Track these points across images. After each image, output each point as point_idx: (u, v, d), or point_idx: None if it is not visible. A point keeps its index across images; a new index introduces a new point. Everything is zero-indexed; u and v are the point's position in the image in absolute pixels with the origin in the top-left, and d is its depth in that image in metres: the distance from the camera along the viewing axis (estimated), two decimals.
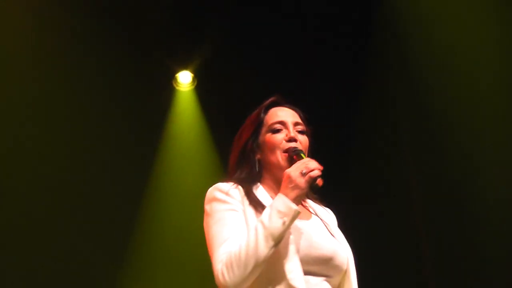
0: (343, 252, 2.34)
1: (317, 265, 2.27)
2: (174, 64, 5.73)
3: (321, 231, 2.36)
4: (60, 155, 5.35)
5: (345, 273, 2.35)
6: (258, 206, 2.29)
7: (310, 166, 2.23)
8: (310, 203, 2.51)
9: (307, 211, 2.44)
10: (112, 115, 5.46)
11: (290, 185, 2.21)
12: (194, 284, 5.59)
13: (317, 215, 2.45)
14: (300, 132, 2.45)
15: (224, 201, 2.29)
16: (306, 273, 2.24)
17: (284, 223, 2.16)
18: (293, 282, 2.18)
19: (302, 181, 2.21)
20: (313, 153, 2.49)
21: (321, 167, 2.25)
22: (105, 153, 5.48)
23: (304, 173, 2.22)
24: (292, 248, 2.22)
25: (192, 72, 5.73)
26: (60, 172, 5.35)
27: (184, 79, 5.78)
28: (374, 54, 5.63)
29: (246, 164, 2.42)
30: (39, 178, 5.31)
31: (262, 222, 2.17)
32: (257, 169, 2.41)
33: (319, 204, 2.54)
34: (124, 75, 5.45)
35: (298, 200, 2.22)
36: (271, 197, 2.37)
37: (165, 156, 5.78)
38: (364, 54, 5.66)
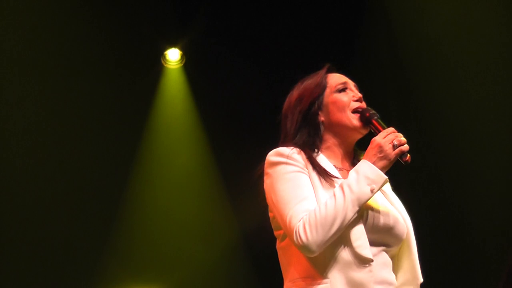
0: (403, 221, 2.27)
1: (378, 234, 2.20)
2: (163, 42, 5.71)
3: (380, 199, 2.28)
4: (48, 131, 5.38)
5: (404, 242, 2.28)
6: (322, 172, 2.21)
7: (402, 140, 2.17)
8: None
9: None
10: (100, 92, 5.46)
11: (380, 155, 2.16)
12: (180, 259, 5.68)
13: None
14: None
15: (290, 164, 2.20)
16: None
17: (372, 190, 2.11)
18: (359, 250, 2.12)
19: (392, 153, 2.15)
20: None
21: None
22: (93, 130, 5.49)
23: (396, 145, 2.16)
24: (356, 216, 2.13)
25: (181, 49, 5.72)
26: (49, 146, 5.37)
27: (173, 56, 5.78)
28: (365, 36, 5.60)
29: (308, 127, 2.32)
30: (25, 153, 5.34)
31: (349, 186, 2.11)
32: (321, 131, 2.32)
33: None
34: (113, 52, 5.45)
35: (384, 172, 2.15)
36: (334, 164, 2.29)
37: (153, 133, 5.79)
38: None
